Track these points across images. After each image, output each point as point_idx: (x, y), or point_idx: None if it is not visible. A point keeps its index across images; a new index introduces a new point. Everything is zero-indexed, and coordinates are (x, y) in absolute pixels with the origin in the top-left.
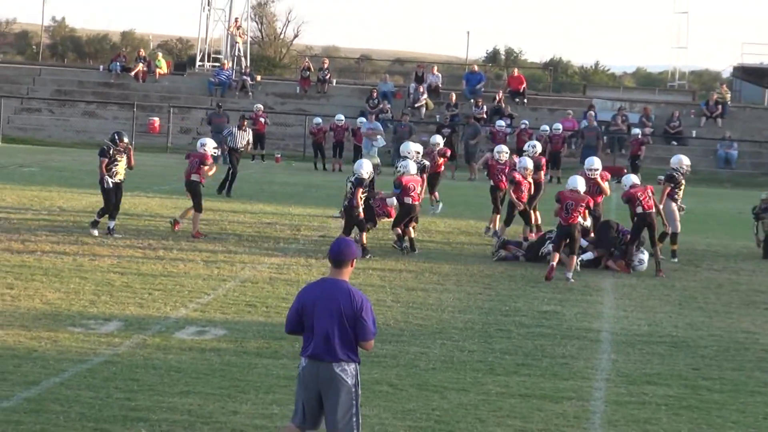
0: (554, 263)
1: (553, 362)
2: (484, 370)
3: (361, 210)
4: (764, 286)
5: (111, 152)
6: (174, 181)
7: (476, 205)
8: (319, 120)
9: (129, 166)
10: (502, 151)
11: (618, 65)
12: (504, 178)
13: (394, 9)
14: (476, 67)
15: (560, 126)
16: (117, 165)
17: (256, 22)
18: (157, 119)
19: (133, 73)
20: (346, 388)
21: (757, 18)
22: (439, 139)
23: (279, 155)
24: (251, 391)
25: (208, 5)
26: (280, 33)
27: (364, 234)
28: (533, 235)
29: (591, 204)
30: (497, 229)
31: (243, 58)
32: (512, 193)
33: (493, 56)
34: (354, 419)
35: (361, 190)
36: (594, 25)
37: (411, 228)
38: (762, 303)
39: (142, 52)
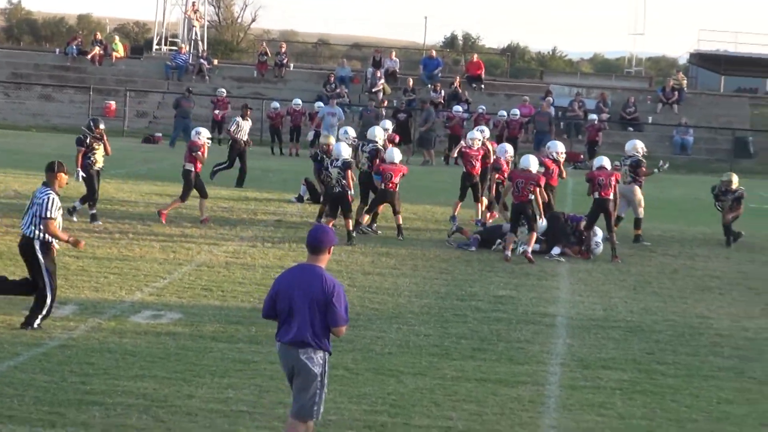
0: (509, 245)
1: (508, 347)
2: (439, 355)
3: (351, 194)
4: (719, 272)
5: (88, 141)
6: (130, 165)
7: (432, 190)
8: (276, 104)
9: (106, 153)
10: (475, 138)
11: (575, 51)
12: (477, 165)
13: None
14: (434, 53)
15: (518, 111)
16: (95, 153)
17: (213, 5)
18: (113, 103)
19: (89, 57)
20: (312, 375)
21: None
22: (388, 125)
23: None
24: (207, 375)
25: None
26: (238, 17)
27: (350, 220)
28: (494, 215)
29: (542, 182)
30: (479, 216)
31: (200, 42)
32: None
33: (450, 42)
34: (315, 407)
35: (350, 172)
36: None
37: (398, 215)
38: (716, 288)
39: (99, 36)
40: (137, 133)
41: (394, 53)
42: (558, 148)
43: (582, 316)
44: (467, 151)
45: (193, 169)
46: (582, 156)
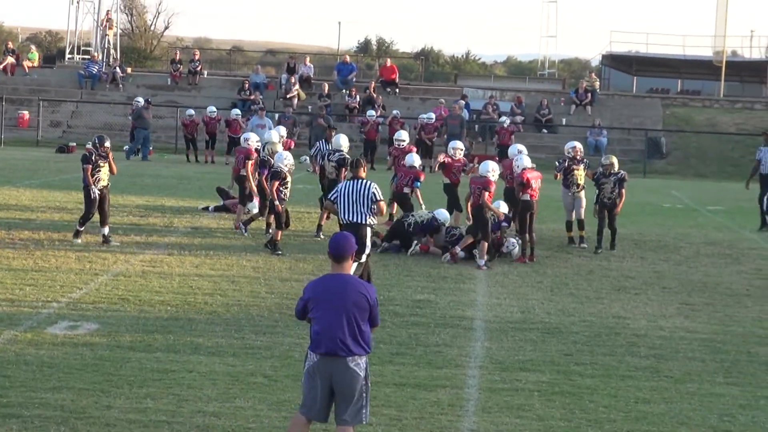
0: (459, 248)
1: (427, 351)
2: None
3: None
4: (634, 272)
5: (94, 158)
6: (45, 175)
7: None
8: (191, 112)
9: (111, 172)
10: (457, 148)
11: (489, 54)
12: (458, 175)
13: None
14: (348, 58)
15: (433, 115)
16: (100, 171)
17: (125, 13)
18: (26, 113)
19: (1, 66)
20: (359, 380)
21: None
22: (282, 131)
23: (151, 148)
24: (125, 386)
25: None
26: (151, 24)
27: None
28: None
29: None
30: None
31: (113, 50)
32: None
33: (364, 46)
34: (365, 411)
35: (345, 170)
36: (464, 14)
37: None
38: (632, 288)
39: (11, 45)
40: (51, 143)
41: (308, 59)
42: (457, 144)
43: (500, 319)
44: (449, 161)
45: (246, 174)
46: (496, 159)
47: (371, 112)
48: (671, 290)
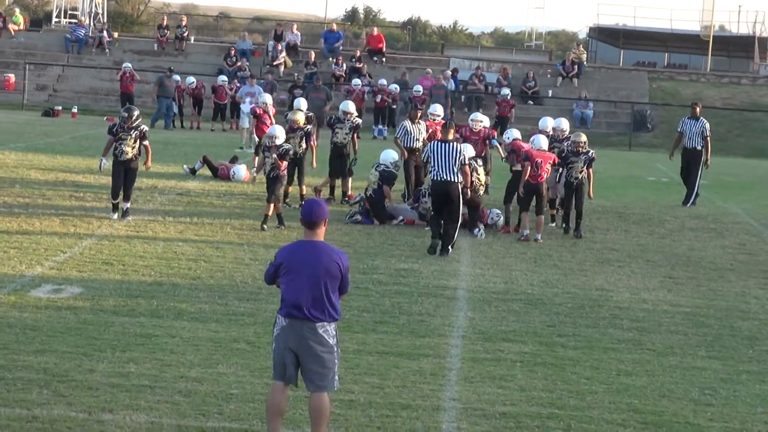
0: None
1: (410, 320)
2: (341, 328)
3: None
4: (618, 244)
5: (116, 130)
6: (30, 138)
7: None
8: (177, 78)
9: (145, 165)
10: (477, 119)
11: (476, 25)
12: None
13: None
14: (335, 26)
15: (420, 88)
16: (122, 143)
17: None
18: (12, 76)
19: None
20: (329, 347)
21: None
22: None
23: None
24: (108, 350)
25: None
26: None
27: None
28: None
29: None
30: None
31: (100, 15)
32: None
33: (351, 15)
34: (336, 377)
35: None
36: None
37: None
38: (615, 261)
39: None
40: (37, 107)
41: (295, 26)
42: (436, 110)
43: (483, 289)
44: (468, 134)
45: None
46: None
47: (357, 81)
48: (655, 263)
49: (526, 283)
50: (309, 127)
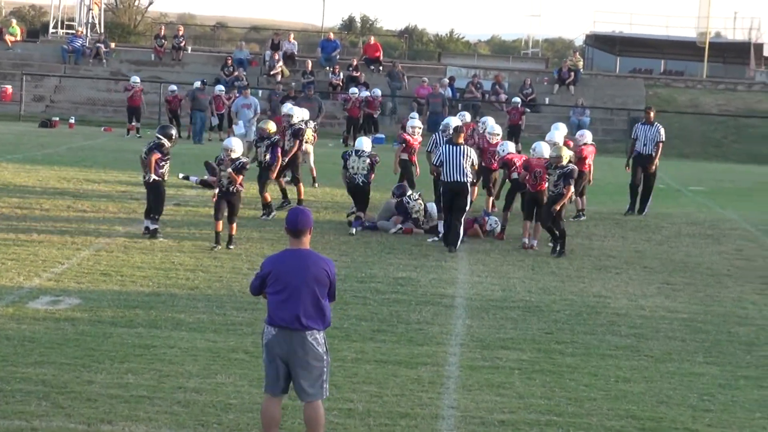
0: (527, 233)
1: (408, 328)
2: (339, 337)
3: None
4: (615, 251)
5: (163, 149)
6: (27, 149)
7: (332, 173)
8: (173, 88)
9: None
10: (494, 133)
11: (473, 33)
12: (495, 159)
13: None
14: (332, 35)
15: (378, 92)
16: (166, 163)
17: None
18: (9, 87)
19: None
20: (319, 355)
21: None
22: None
23: (133, 123)
24: (106, 361)
25: None
26: (135, 0)
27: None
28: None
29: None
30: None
31: (97, 25)
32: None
33: (348, 24)
34: (326, 385)
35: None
36: None
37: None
38: (613, 267)
39: None
40: (34, 118)
41: (292, 36)
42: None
43: (481, 297)
44: (485, 146)
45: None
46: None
47: (354, 90)
48: (652, 270)
49: (523, 291)
50: (278, 137)
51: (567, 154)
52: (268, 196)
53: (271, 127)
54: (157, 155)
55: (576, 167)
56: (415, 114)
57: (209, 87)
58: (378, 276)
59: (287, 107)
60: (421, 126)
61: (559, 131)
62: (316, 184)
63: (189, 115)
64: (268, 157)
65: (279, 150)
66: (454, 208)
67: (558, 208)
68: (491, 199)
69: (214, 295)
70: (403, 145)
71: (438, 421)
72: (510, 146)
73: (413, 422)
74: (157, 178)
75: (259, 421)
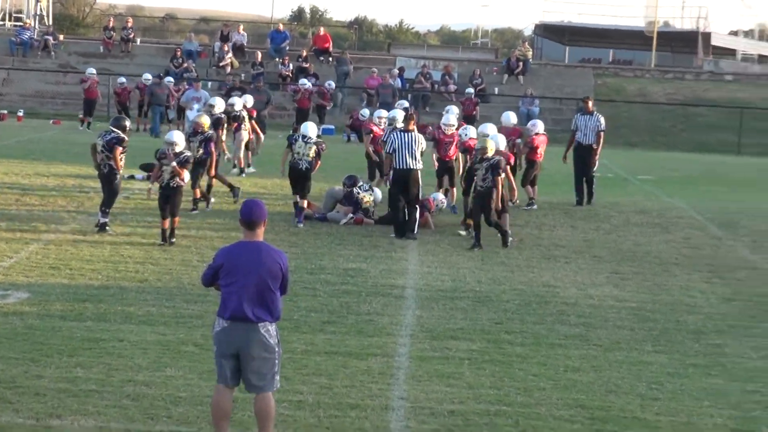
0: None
1: (358, 319)
2: (289, 328)
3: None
4: (564, 241)
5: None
6: None
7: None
8: (122, 80)
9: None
10: (449, 124)
11: (422, 24)
12: (451, 151)
13: None
14: (281, 26)
15: (332, 83)
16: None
17: None
18: None
19: None
20: (270, 347)
21: None
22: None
23: (81, 115)
24: (55, 355)
25: None
26: None
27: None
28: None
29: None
30: (453, 202)
31: (45, 17)
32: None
33: (298, 15)
34: (277, 377)
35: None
36: None
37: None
38: (562, 257)
39: None
40: None
41: (241, 27)
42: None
43: (431, 288)
44: (442, 137)
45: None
46: (430, 128)
47: (303, 81)
48: (601, 259)
49: (473, 281)
50: (211, 132)
51: (492, 146)
52: (198, 192)
53: (206, 121)
54: (119, 149)
55: (502, 158)
56: (366, 110)
57: (165, 81)
58: (328, 267)
59: (217, 99)
60: (454, 123)
61: (510, 119)
62: (244, 174)
63: (138, 107)
64: (200, 152)
65: (212, 145)
66: (408, 196)
67: (495, 202)
68: (453, 189)
69: (163, 287)
70: (370, 135)
71: (388, 412)
72: (471, 131)
73: (363, 413)
74: (122, 173)
75: (209, 413)
